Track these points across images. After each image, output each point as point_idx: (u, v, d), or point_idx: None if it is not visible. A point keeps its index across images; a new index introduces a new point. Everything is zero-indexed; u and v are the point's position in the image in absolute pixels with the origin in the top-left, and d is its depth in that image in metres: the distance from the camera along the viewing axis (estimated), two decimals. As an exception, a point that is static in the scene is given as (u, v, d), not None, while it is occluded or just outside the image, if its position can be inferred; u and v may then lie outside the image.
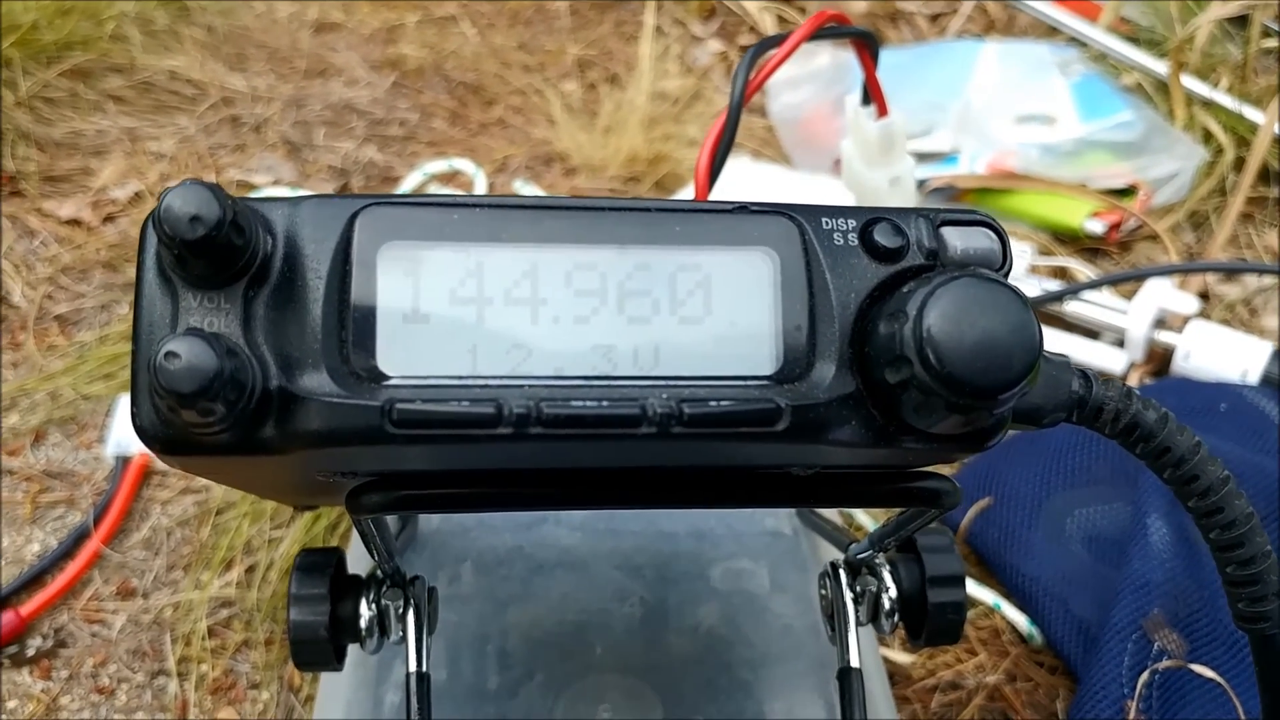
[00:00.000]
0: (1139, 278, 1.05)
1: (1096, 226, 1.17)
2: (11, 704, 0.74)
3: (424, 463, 0.34)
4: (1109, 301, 1.04)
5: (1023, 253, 1.09)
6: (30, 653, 0.76)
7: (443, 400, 0.31)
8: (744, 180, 0.96)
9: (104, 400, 0.94)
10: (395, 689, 0.59)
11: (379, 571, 0.49)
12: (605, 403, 0.31)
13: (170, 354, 0.28)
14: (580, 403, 0.31)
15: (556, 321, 0.32)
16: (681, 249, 0.33)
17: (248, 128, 1.34)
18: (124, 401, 0.90)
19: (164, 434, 0.30)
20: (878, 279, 0.33)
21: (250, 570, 0.80)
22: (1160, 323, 1.01)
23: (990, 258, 0.34)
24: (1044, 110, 1.32)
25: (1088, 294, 1.05)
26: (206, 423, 0.29)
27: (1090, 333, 1.05)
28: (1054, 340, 1.03)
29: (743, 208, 0.34)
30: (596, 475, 0.36)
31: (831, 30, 0.67)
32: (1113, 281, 1.05)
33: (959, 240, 0.34)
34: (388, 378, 0.31)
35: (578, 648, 0.59)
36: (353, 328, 0.31)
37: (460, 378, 0.31)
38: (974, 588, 0.79)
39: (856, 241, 0.33)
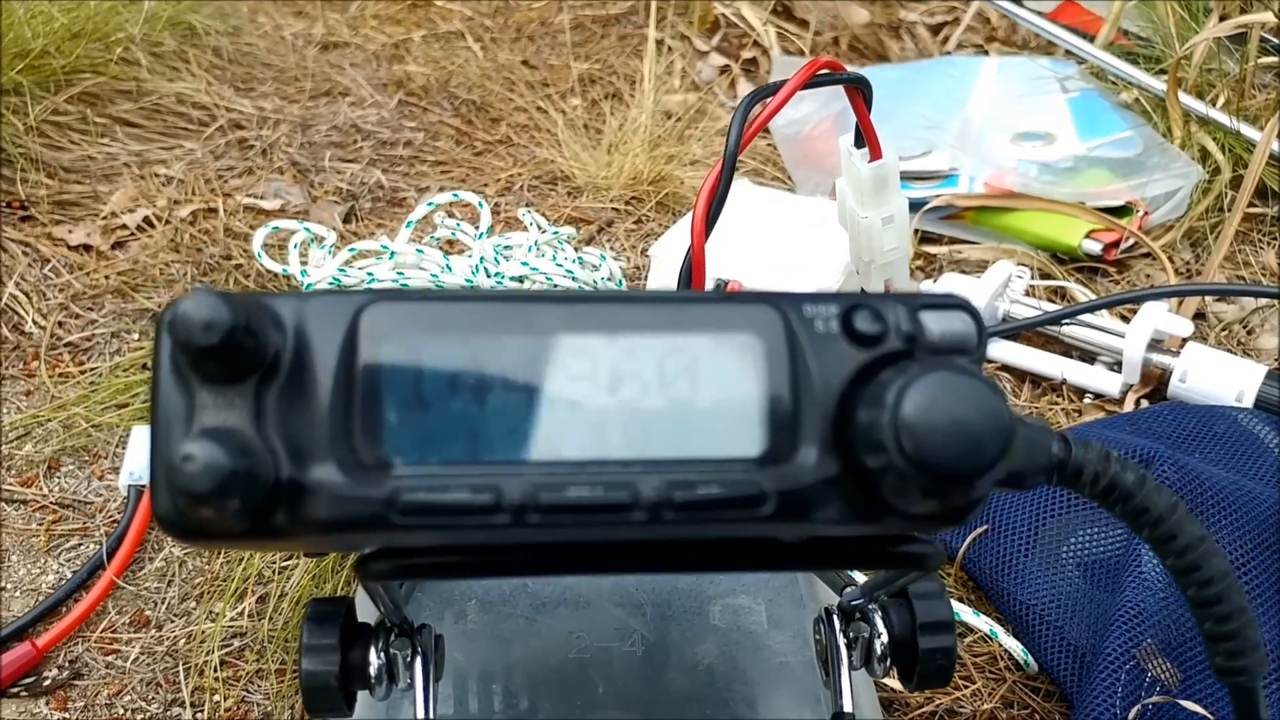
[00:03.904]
0: (1135, 300, 1.06)
1: (1094, 246, 1.18)
2: (29, 735, 0.76)
3: (429, 541, 0.35)
4: (1106, 324, 1.05)
5: (1021, 274, 1.11)
6: (46, 683, 0.78)
7: (445, 490, 0.32)
8: (742, 205, 0.97)
9: (116, 430, 0.96)
10: (404, 727, 0.60)
11: (387, 620, 0.50)
12: (600, 489, 0.33)
13: (187, 457, 0.29)
14: (575, 490, 0.33)
15: (552, 405, 0.34)
16: (669, 335, 0.35)
17: (255, 151, 1.36)
18: (137, 432, 0.92)
19: (182, 524, 0.32)
20: (858, 364, 0.35)
21: (262, 600, 0.82)
22: (1156, 344, 1.02)
23: (966, 341, 0.36)
24: (1043, 128, 1.33)
25: (1085, 315, 1.06)
26: (222, 517, 0.31)
27: (1088, 355, 1.06)
28: (1052, 364, 1.05)
29: (728, 296, 0.35)
30: (593, 545, 0.37)
31: (826, 78, 0.69)
32: (1109, 305, 1.06)
33: (936, 324, 0.35)
34: (392, 465, 0.33)
35: (580, 686, 0.61)
36: (359, 418, 0.33)
37: (461, 464, 0.33)
38: (970, 616, 0.80)
39: (838, 328, 0.35)
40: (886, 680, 0.78)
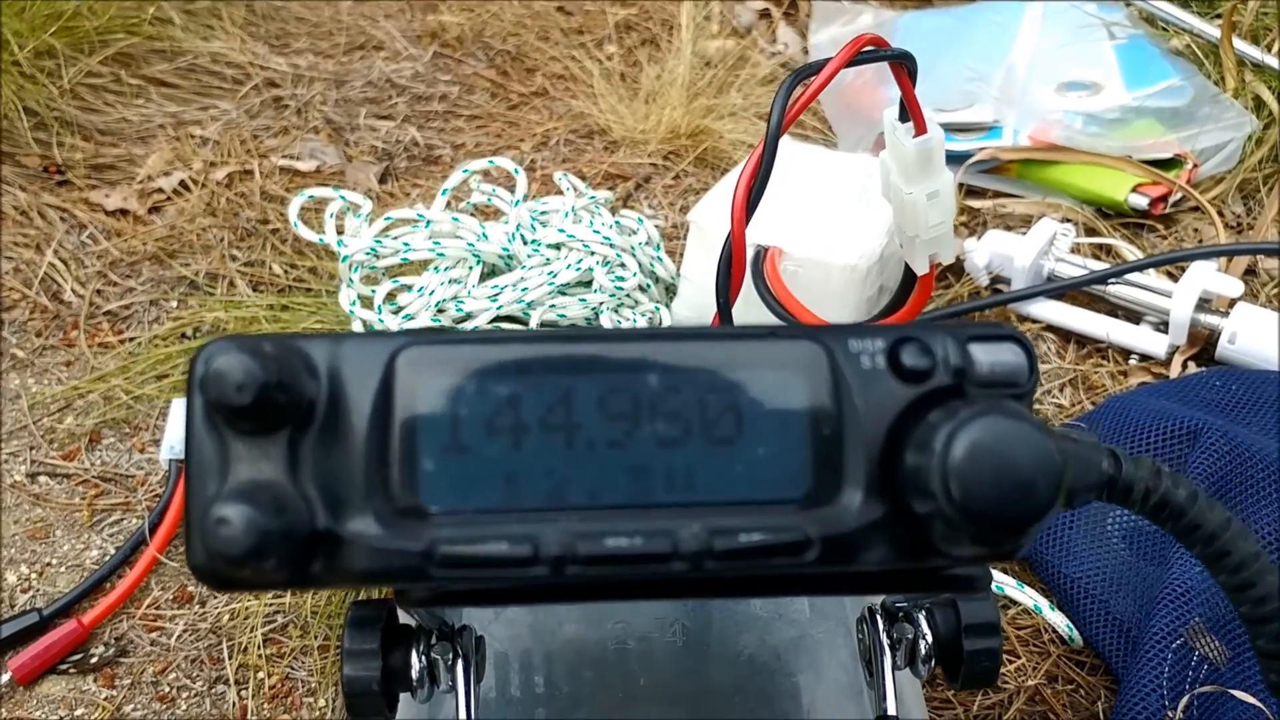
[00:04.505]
0: (1184, 259, 1.04)
1: (1140, 200, 1.16)
2: (79, 711, 0.76)
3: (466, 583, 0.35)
4: (1153, 283, 1.03)
5: (1065, 232, 1.09)
6: (93, 660, 0.78)
7: (482, 541, 0.32)
8: (782, 162, 0.95)
9: (156, 402, 0.96)
10: None
11: (427, 625, 0.50)
12: (639, 538, 0.32)
13: (221, 520, 0.29)
14: (613, 540, 0.32)
15: (591, 447, 0.33)
16: (711, 374, 0.34)
17: (290, 110, 1.35)
18: (177, 404, 0.92)
19: (217, 575, 0.31)
20: (905, 401, 0.34)
21: (304, 576, 0.82)
22: (1204, 304, 1.00)
23: (1017, 374, 0.35)
24: (1088, 77, 1.30)
25: (1131, 274, 1.04)
26: (258, 573, 0.30)
27: (1133, 314, 1.05)
28: (1097, 324, 1.03)
29: (772, 333, 0.34)
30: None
31: (870, 54, 0.67)
32: (1157, 264, 1.04)
33: (985, 357, 0.34)
34: (429, 514, 0.32)
35: (621, 679, 0.61)
36: (395, 465, 0.32)
37: (498, 512, 0.33)
38: (1014, 590, 0.79)
39: (884, 364, 0.34)
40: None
